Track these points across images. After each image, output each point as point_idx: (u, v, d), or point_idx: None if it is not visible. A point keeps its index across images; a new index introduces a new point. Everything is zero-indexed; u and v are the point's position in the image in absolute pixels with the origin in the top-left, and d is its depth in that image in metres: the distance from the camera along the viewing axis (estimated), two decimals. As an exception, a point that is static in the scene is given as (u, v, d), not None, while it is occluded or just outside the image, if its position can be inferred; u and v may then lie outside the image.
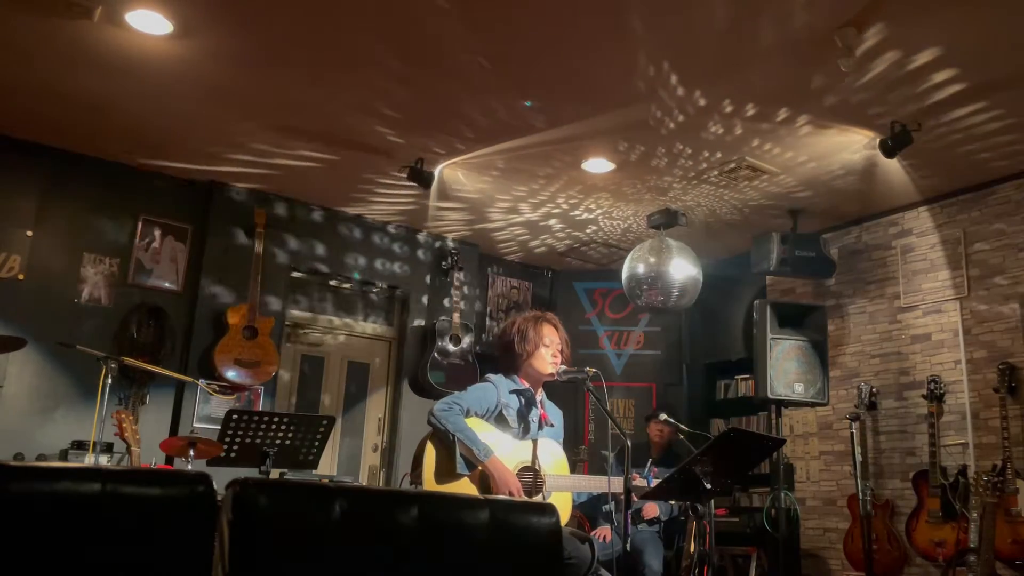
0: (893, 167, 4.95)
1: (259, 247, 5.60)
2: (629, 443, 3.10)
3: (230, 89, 4.45)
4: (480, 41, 3.87)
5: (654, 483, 3.41)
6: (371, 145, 5.00)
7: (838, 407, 5.71)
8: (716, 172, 5.21)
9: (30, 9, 3.75)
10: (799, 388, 5.31)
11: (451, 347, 6.32)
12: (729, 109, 4.40)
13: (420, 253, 6.57)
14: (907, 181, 5.22)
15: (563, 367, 3.49)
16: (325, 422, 3.92)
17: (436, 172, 5.28)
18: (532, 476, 3.33)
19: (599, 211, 5.99)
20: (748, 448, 3.16)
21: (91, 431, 4.36)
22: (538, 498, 3.26)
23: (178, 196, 5.66)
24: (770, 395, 5.29)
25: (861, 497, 5.01)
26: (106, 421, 3.98)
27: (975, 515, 4.44)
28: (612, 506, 4.56)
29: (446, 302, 6.52)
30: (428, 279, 6.58)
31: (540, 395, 3.54)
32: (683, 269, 5.59)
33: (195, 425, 5.28)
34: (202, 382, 5.03)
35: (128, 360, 4.18)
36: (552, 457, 3.43)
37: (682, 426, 4.22)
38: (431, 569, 1.88)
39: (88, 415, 4.76)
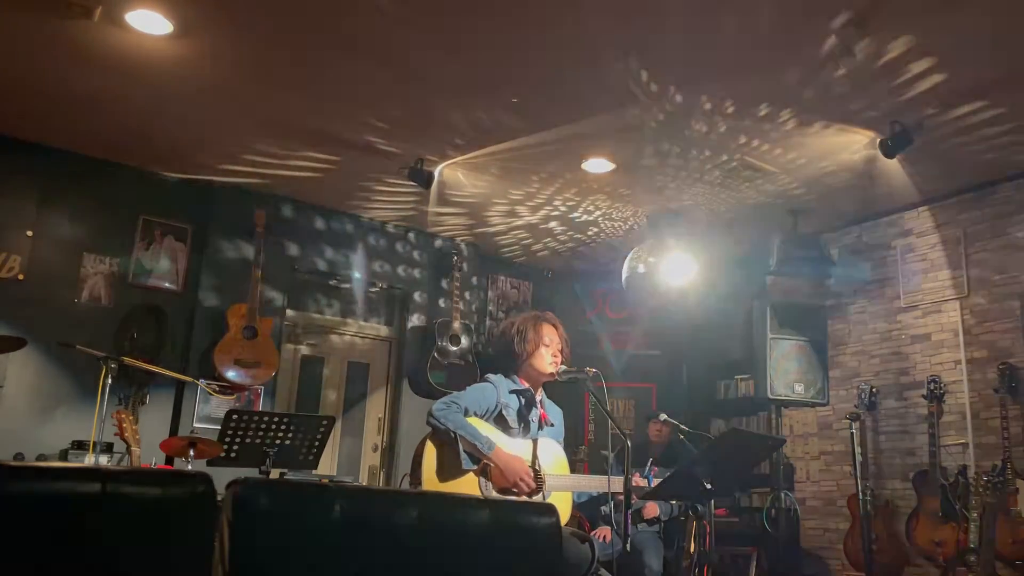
0: (893, 167, 4.94)
1: (259, 247, 5.60)
2: (629, 443, 3.10)
3: (230, 89, 4.45)
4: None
5: (654, 483, 3.41)
6: (371, 145, 5.00)
7: (838, 407, 5.71)
8: (716, 172, 5.21)
9: (30, 9, 3.75)
10: (799, 388, 5.31)
11: (451, 347, 6.32)
12: (731, 110, 4.40)
13: (420, 253, 6.57)
14: (907, 181, 5.21)
15: (563, 367, 3.48)
16: (325, 422, 3.92)
17: (436, 172, 5.28)
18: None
19: (598, 213, 5.99)
20: (748, 448, 3.17)
21: (91, 431, 4.36)
22: (538, 498, 3.26)
23: (178, 196, 5.66)
24: (770, 395, 5.30)
25: (861, 497, 5.01)
26: (106, 421, 3.98)
27: (975, 515, 4.44)
28: (612, 506, 4.56)
29: (443, 302, 6.52)
30: (428, 279, 6.58)
31: (540, 395, 3.54)
32: (683, 269, 5.59)
33: (195, 425, 5.28)
34: (202, 382, 5.03)
35: (128, 360, 4.17)
36: (552, 457, 3.43)
37: (682, 426, 4.21)
38: (431, 569, 1.88)
39: (88, 415, 4.75)
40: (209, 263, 5.63)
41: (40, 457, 4.81)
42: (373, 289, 6.48)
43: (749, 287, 6.55)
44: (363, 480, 6.18)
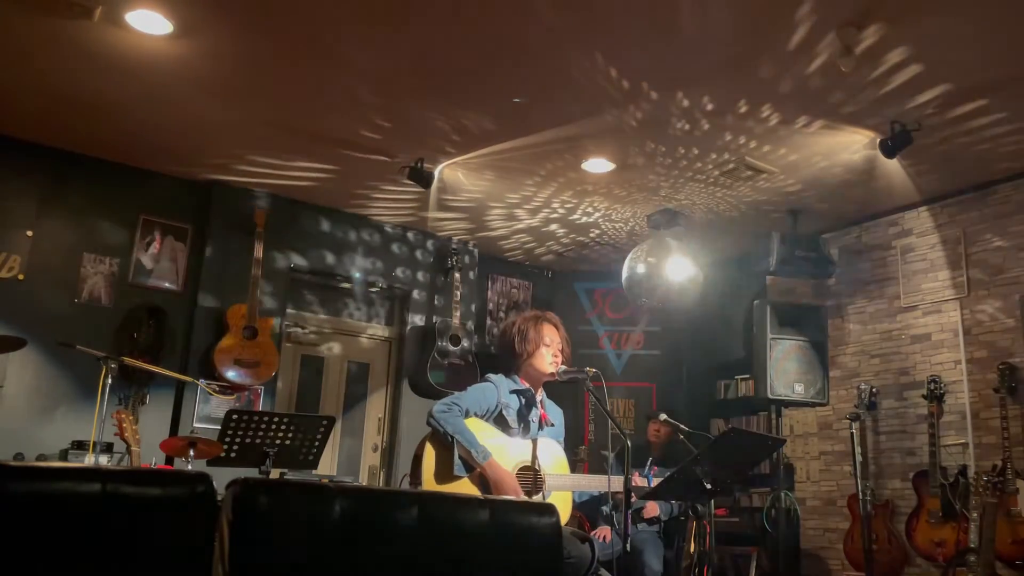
0: (893, 167, 4.94)
1: (259, 247, 5.60)
2: (629, 443, 3.10)
3: (230, 89, 4.45)
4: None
5: (654, 483, 3.41)
6: (372, 145, 5.00)
7: (838, 407, 5.71)
8: (716, 172, 5.21)
9: (30, 9, 3.75)
10: (799, 388, 5.31)
11: (451, 347, 6.32)
12: (736, 110, 4.40)
13: (420, 253, 6.57)
14: (907, 181, 5.21)
15: (563, 367, 3.49)
16: (325, 422, 3.91)
17: (436, 172, 5.28)
18: (532, 476, 3.33)
19: (597, 214, 5.99)
20: (748, 448, 3.17)
21: (91, 431, 4.36)
22: (538, 498, 3.26)
23: (178, 196, 5.66)
24: (770, 395, 5.29)
25: (861, 497, 5.01)
26: (106, 421, 3.97)
27: (975, 515, 4.43)
28: (611, 506, 4.56)
29: (443, 302, 6.52)
30: (428, 279, 6.57)
31: (540, 395, 3.54)
32: (683, 269, 5.59)
33: (195, 425, 5.28)
34: (202, 382, 5.03)
35: (128, 360, 4.17)
36: (552, 457, 3.43)
37: (682, 426, 4.21)
38: (431, 569, 1.88)
39: (88, 415, 4.75)
40: (209, 263, 5.63)
41: (40, 457, 4.81)
42: (373, 289, 6.48)
43: (749, 287, 6.55)
44: (363, 480, 6.18)
